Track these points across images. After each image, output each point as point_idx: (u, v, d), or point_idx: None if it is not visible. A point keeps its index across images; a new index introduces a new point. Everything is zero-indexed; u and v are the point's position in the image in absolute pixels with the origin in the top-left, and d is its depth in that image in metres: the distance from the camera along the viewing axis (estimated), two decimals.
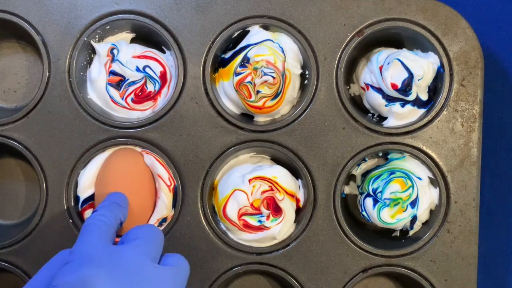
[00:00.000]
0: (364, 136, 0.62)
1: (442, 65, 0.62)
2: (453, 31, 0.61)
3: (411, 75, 0.60)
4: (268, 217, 0.61)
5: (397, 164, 0.63)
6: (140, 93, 0.62)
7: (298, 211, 0.63)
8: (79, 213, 0.61)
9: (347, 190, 0.65)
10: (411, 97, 0.61)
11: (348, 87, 0.65)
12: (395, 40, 0.64)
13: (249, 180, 0.60)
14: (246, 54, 0.60)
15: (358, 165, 0.64)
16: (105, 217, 0.49)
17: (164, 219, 0.61)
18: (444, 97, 0.62)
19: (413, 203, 0.61)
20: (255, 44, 0.61)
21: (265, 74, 0.59)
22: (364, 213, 0.63)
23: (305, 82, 0.63)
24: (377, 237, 0.65)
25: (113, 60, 0.61)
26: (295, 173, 0.63)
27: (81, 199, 0.61)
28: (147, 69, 0.61)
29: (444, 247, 0.62)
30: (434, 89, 0.63)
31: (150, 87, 0.62)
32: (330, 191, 0.62)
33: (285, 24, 0.62)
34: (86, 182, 0.61)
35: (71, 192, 0.61)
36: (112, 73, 0.61)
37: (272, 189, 0.60)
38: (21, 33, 0.62)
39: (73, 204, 0.61)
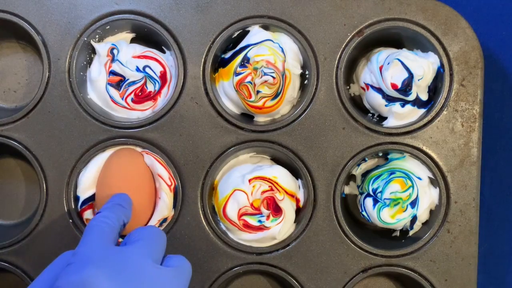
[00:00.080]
0: (364, 136, 0.62)
1: (442, 65, 0.62)
2: (453, 31, 0.61)
3: (411, 75, 0.60)
4: (268, 217, 0.61)
5: (397, 164, 0.63)
6: (140, 93, 0.62)
7: (298, 211, 0.63)
8: (79, 213, 0.61)
9: (347, 190, 0.65)
10: (411, 97, 0.61)
11: (348, 87, 0.65)
12: (395, 40, 0.64)
13: (249, 180, 0.60)
14: (246, 54, 0.60)
15: (358, 165, 0.64)
16: (108, 219, 0.49)
17: (165, 219, 0.61)
18: (444, 97, 0.62)
19: (413, 203, 0.61)
20: (255, 44, 0.61)
21: (265, 74, 0.59)
22: (364, 213, 0.63)
23: (305, 82, 0.63)
24: (377, 237, 0.65)
25: (113, 60, 0.61)
26: (295, 173, 0.63)
27: (81, 200, 0.61)
28: (147, 69, 0.61)
29: (444, 247, 0.62)
30: (434, 89, 0.63)
31: (150, 87, 0.62)
32: (330, 191, 0.62)
33: (285, 24, 0.62)
34: (87, 183, 0.61)
35: (71, 192, 0.61)
36: (112, 73, 0.61)
37: (272, 189, 0.60)
38: (21, 33, 0.62)
39: (73, 204, 0.61)
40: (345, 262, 0.62)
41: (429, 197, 0.62)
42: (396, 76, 0.60)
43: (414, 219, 0.63)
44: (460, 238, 0.62)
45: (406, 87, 0.60)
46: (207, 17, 0.61)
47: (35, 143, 0.61)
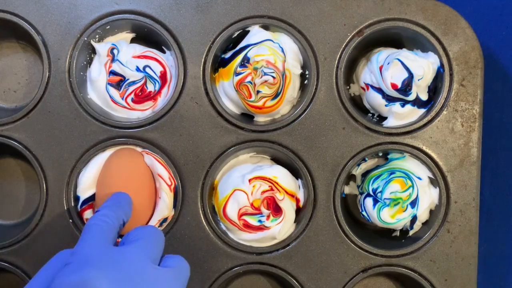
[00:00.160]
0: (364, 136, 0.62)
1: (442, 65, 0.62)
2: (453, 31, 0.61)
3: (411, 75, 0.60)
4: (268, 217, 0.61)
5: (397, 164, 0.63)
6: (140, 93, 0.62)
7: (298, 211, 0.63)
8: (79, 213, 0.61)
9: (347, 190, 0.65)
10: (411, 97, 0.61)
11: (348, 87, 0.66)
12: (395, 40, 0.64)
13: (249, 180, 0.60)
14: (246, 54, 0.60)
15: (358, 165, 0.64)
16: (107, 218, 0.49)
17: (165, 219, 0.61)
18: (444, 97, 0.62)
19: (413, 203, 0.61)
20: (255, 44, 0.61)
21: (265, 74, 0.59)
22: (364, 213, 0.63)
23: (305, 82, 0.63)
24: (377, 237, 0.65)
25: (113, 60, 0.61)
26: (295, 173, 0.63)
27: (81, 199, 0.61)
28: (147, 69, 0.61)
29: (444, 247, 0.62)
30: (434, 89, 0.63)
31: (150, 87, 0.62)
32: (330, 191, 0.62)
33: (285, 24, 0.62)
34: (87, 183, 0.61)
35: (71, 192, 0.61)
36: (112, 73, 0.61)
37: (272, 189, 0.60)
38: (21, 33, 0.62)
39: (73, 204, 0.61)
40: (345, 262, 0.62)
41: (429, 197, 0.62)
42: (396, 76, 0.60)
43: (414, 219, 0.63)
44: (460, 238, 0.62)
45: (406, 87, 0.60)
46: (207, 17, 0.61)
47: (35, 143, 0.61)
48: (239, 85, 0.60)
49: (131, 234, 0.49)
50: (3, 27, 0.62)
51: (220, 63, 0.63)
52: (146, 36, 0.63)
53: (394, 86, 0.60)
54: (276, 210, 0.61)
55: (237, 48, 0.62)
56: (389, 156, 0.64)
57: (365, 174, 0.64)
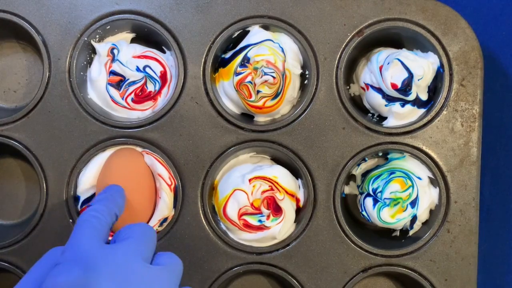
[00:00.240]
0: (364, 136, 0.62)
1: (442, 65, 0.62)
2: (452, 31, 0.61)
3: (411, 75, 0.60)
4: (268, 217, 0.61)
5: (397, 164, 0.63)
6: (140, 93, 0.62)
7: (298, 211, 0.63)
8: (79, 213, 0.61)
9: (347, 190, 0.65)
10: (411, 97, 0.61)
11: (348, 87, 0.66)
12: (395, 40, 0.64)
13: (249, 180, 0.60)
14: (246, 54, 0.60)
15: (358, 165, 0.64)
16: (99, 213, 0.48)
17: (165, 219, 0.61)
18: (444, 97, 0.62)
19: (413, 203, 0.61)
20: (255, 44, 0.61)
21: (265, 74, 0.59)
22: (364, 213, 0.63)
23: (305, 82, 0.63)
24: (377, 237, 0.65)
25: (113, 60, 0.61)
26: (295, 173, 0.63)
27: (81, 199, 0.61)
28: (147, 69, 0.61)
29: (444, 247, 0.62)
30: (434, 89, 0.63)
31: (150, 87, 0.62)
32: (330, 191, 0.62)
33: (285, 24, 0.62)
34: (87, 183, 0.61)
35: (71, 192, 0.61)
36: (112, 73, 0.61)
37: (272, 189, 0.60)
38: (21, 33, 0.62)
39: (73, 205, 0.61)
40: (345, 262, 0.62)
41: (429, 197, 0.62)
42: (396, 76, 0.60)
43: (414, 219, 0.63)
44: (460, 238, 0.62)
45: (406, 87, 0.60)
46: (207, 17, 0.61)
47: (35, 143, 0.61)
48: (239, 85, 0.60)
49: (122, 232, 0.48)
50: (3, 27, 0.62)
51: (220, 63, 0.63)
52: (146, 36, 0.63)
53: (394, 86, 0.60)
54: (276, 210, 0.61)
55: (237, 48, 0.62)
56: (389, 156, 0.64)
57: (365, 174, 0.64)
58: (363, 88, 0.64)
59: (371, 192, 0.62)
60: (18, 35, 0.64)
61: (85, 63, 0.62)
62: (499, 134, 0.71)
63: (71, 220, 0.61)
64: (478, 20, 0.69)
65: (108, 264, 0.43)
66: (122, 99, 0.62)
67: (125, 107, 0.62)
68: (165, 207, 0.60)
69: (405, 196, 0.61)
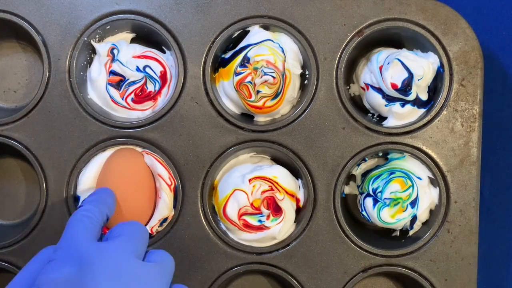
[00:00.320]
0: (364, 136, 0.62)
1: (442, 65, 0.62)
2: (453, 31, 0.61)
3: (411, 75, 0.60)
4: (268, 217, 0.61)
5: (397, 164, 0.63)
6: (140, 93, 0.62)
7: (298, 211, 0.63)
8: None
9: (347, 190, 0.65)
10: (411, 97, 0.61)
11: (348, 87, 0.66)
12: (395, 40, 0.64)
13: (249, 180, 0.60)
14: (246, 54, 0.60)
15: (358, 165, 0.64)
16: (90, 212, 0.49)
17: (165, 219, 0.61)
18: (444, 97, 0.62)
19: (413, 203, 0.61)
20: (255, 44, 0.61)
21: (265, 74, 0.59)
22: (364, 213, 0.63)
23: (305, 82, 0.63)
24: (377, 237, 0.65)
25: (113, 60, 0.61)
26: (295, 173, 0.63)
27: (81, 200, 0.61)
28: (147, 69, 0.61)
29: (444, 247, 0.62)
30: (434, 89, 0.63)
31: (150, 87, 0.62)
32: (330, 191, 0.62)
33: (285, 24, 0.62)
34: (87, 183, 0.61)
35: (71, 192, 0.61)
36: (112, 73, 0.61)
37: (272, 189, 0.60)
38: (21, 33, 0.62)
39: (73, 204, 0.61)
40: (345, 262, 0.62)
41: (429, 197, 0.62)
42: (396, 76, 0.60)
43: (414, 219, 0.63)
44: (460, 238, 0.62)
45: (406, 87, 0.60)
46: (207, 17, 0.61)
47: (35, 143, 0.61)
48: (239, 85, 0.60)
49: (114, 230, 0.48)
50: (3, 27, 0.62)
51: (220, 63, 0.63)
52: (146, 36, 0.63)
53: (394, 86, 0.60)
54: (276, 210, 0.61)
55: (237, 48, 0.62)
56: (389, 156, 0.64)
57: (365, 174, 0.64)
58: (363, 88, 0.64)
59: (371, 192, 0.62)
60: (18, 35, 0.64)
61: (85, 63, 0.62)
62: (499, 134, 0.71)
63: None
64: (478, 20, 0.69)
65: (101, 261, 0.44)
66: (122, 99, 0.62)
67: (125, 107, 0.62)
68: (165, 207, 0.60)
69: (405, 196, 0.61)
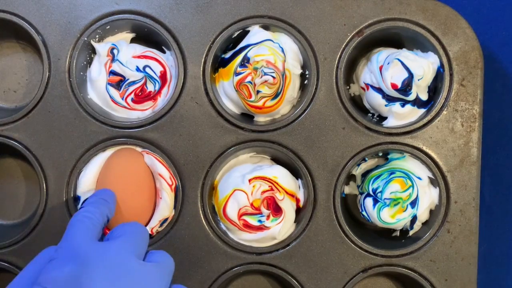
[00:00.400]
0: (364, 136, 0.62)
1: (442, 65, 0.62)
2: (453, 31, 0.61)
3: (411, 75, 0.60)
4: (268, 217, 0.61)
5: (397, 164, 0.63)
6: (140, 93, 0.62)
7: (298, 211, 0.63)
8: None
9: (347, 190, 0.65)
10: (411, 97, 0.61)
11: (348, 87, 0.66)
12: (395, 40, 0.64)
13: (249, 180, 0.60)
14: (246, 54, 0.60)
15: (358, 165, 0.64)
16: (91, 213, 0.49)
17: (165, 220, 0.61)
18: (444, 97, 0.62)
19: (413, 203, 0.61)
20: (255, 44, 0.61)
21: (265, 74, 0.59)
22: (364, 213, 0.63)
23: (305, 82, 0.63)
24: (377, 237, 0.65)
25: (113, 60, 0.61)
26: (295, 173, 0.63)
27: (82, 200, 0.61)
28: (147, 69, 0.61)
29: (444, 247, 0.62)
30: (434, 89, 0.63)
31: (150, 87, 0.62)
32: (330, 191, 0.62)
33: (285, 24, 0.62)
34: (87, 183, 0.61)
35: (71, 192, 0.61)
36: (112, 73, 0.61)
37: (272, 189, 0.60)
38: (21, 33, 0.62)
39: (73, 205, 0.61)
40: (345, 262, 0.62)
41: (429, 197, 0.62)
42: (396, 76, 0.60)
43: (414, 219, 0.63)
44: (460, 238, 0.62)
45: (406, 87, 0.60)
46: (207, 17, 0.61)
47: (35, 143, 0.61)
48: (239, 85, 0.60)
49: (115, 230, 0.49)
50: (3, 27, 0.62)
51: (220, 63, 0.63)
52: (146, 36, 0.63)
53: (394, 86, 0.60)
54: (276, 210, 0.61)
55: (237, 48, 0.62)
56: (389, 156, 0.64)
57: (365, 174, 0.64)
58: (363, 88, 0.64)
59: (371, 192, 0.62)
60: (18, 35, 0.64)
61: (85, 63, 0.62)
62: (499, 134, 0.71)
63: None
64: (478, 20, 0.69)
65: (102, 260, 0.44)
66: (122, 99, 0.62)
67: (125, 107, 0.62)
68: (166, 208, 0.60)
69: (405, 196, 0.61)
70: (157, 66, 0.62)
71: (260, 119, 0.63)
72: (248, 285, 0.66)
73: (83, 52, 0.62)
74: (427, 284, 0.62)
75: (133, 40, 0.64)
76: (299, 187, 0.63)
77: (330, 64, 0.62)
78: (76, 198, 0.61)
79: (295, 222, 0.63)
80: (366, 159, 0.63)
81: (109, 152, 0.61)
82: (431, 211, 0.64)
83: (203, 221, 0.62)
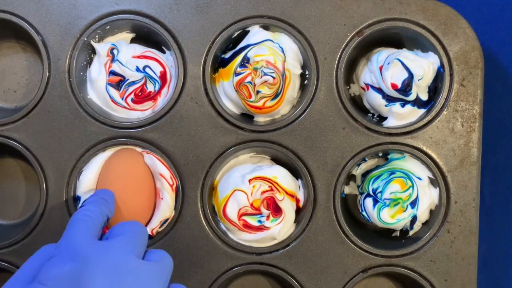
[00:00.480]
0: (364, 136, 0.62)
1: (442, 65, 0.62)
2: (453, 31, 0.61)
3: (411, 75, 0.60)
4: (268, 217, 0.61)
5: (397, 164, 0.63)
6: (140, 93, 0.62)
7: (298, 211, 0.63)
8: None
9: (347, 190, 0.65)
10: (411, 97, 0.61)
11: (348, 87, 0.65)
12: (395, 40, 0.64)
13: (249, 180, 0.60)
14: (246, 54, 0.60)
15: (358, 165, 0.64)
16: (91, 212, 0.50)
17: (166, 220, 0.61)
18: (444, 97, 0.62)
19: (413, 203, 0.61)
20: (255, 44, 0.61)
21: (265, 74, 0.59)
22: (364, 213, 0.63)
23: (305, 82, 0.63)
24: (377, 237, 0.65)
25: (113, 60, 0.61)
26: (295, 173, 0.63)
27: (82, 200, 0.61)
28: (147, 69, 0.61)
29: (444, 247, 0.62)
30: (434, 89, 0.63)
31: (150, 87, 0.62)
32: (330, 191, 0.62)
33: (285, 24, 0.62)
34: (87, 183, 0.61)
35: (71, 192, 0.61)
36: (112, 73, 0.61)
37: (272, 189, 0.60)
38: (21, 33, 0.62)
39: (73, 205, 0.61)
40: (345, 262, 0.62)
41: (429, 197, 0.62)
42: (396, 76, 0.60)
43: (414, 219, 0.63)
44: (460, 238, 0.62)
45: (406, 87, 0.60)
46: (207, 17, 0.61)
47: (35, 143, 0.61)
48: (239, 85, 0.60)
49: (115, 229, 0.49)
50: (3, 27, 0.62)
51: (220, 63, 0.63)
52: (146, 36, 0.63)
53: (394, 86, 0.60)
54: (276, 210, 0.61)
55: (237, 48, 0.62)
56: (389, 156, 0.64)
57: (365, 174, 0.64)
58: (363, 88, 0.64)
59: (371, 192, 0.62)
60: (18, 35, 0.64)
61: (84, 63, 0.62)
62: (499, 134, 0.71)
63: None
64: (478, 20, 0.69)
65: (101, 258, 0.45)
66: (122, 99, 0.62)
67: (125, 107, 0.62)
68: (167, 208, 0.60)
69: (405, 197, 0.61)
70: (157, 66, 0.62)
71: (260, 119, 0.63)
72: (248, 285, 0.66)
73: (83, 52, 0.62)
74: (427, 284, 0.62)
75: (133, 40, 0.64)
76: (299, 187, 0.63)
77: (330, 64, 0.62)
78: (76, 198, 0.61)
79: (295, 222, 0.63)
80: (366, 159, 0.63)
81: (109, 152, 0.61)
82: (431, 211, 0.64)
83: (203, 221, 0.62)
